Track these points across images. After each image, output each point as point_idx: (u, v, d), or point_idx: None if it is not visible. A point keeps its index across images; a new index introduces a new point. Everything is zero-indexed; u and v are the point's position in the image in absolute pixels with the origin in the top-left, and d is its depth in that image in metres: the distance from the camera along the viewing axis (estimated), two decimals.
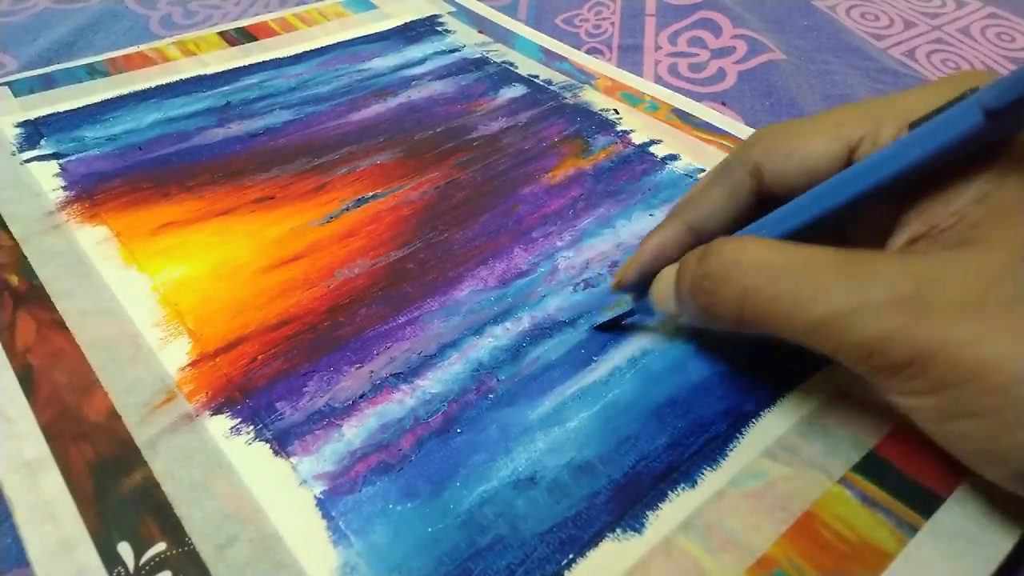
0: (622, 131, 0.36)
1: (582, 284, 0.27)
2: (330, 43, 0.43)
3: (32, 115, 0.36)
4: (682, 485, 0.21)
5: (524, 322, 0.26)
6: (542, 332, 0.25)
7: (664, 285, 0.22)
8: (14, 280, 0.27)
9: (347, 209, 0.31)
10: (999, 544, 0.19)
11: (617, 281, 0.24)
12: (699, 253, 0.20)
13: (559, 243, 0.29)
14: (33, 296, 0.26)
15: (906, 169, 0.18)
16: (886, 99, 0.20)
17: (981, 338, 0.16)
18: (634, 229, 0.30)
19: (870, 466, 0.21)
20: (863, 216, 0.20)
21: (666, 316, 0.24)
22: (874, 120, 0.19)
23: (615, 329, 0.25)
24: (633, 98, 0.39)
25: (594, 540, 0.19)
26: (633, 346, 0.25)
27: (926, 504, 0.20)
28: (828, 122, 0.20)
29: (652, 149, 0.35)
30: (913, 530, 0.20)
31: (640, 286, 0.24)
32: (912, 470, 0.21)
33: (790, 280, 0.18)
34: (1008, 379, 0.15)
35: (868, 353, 0.17)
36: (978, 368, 0.16)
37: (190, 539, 0.19)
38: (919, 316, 0.16)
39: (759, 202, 0.22)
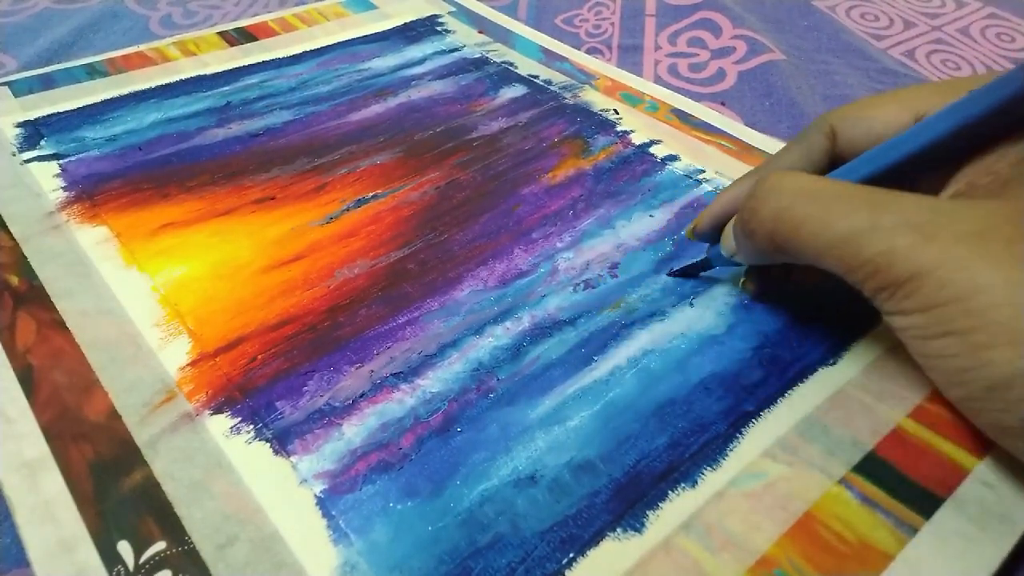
0: (622, 131, 0.36)
1: (582, 284, 0.27)
2: (330, 43, 0.43)
3: (32, 115, 0.36)
4: (682, 485, 0.21)
5: (524, 322, 0.26)
6: (542, 331, 0.25)
7: (730, 229, 0.24)
8: (14, 280, 0.27)
9: (347, 209, 0.31)
10: (999, 544, 0.19)
11: (691, 228, 0.26)
12: None
13: (559, 244, 0.29)
14: (33, 296, 0.26)
15: (955, 128, 0.20)
16: (958, 79, 0.22)
17: (972, 264, 0.17)
18: (634, 230, 0.30)
19: (870, 466, 0.21)
20: (920, 181, 0.22)
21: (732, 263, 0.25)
22: (941, 96, 0.21)
23: (688, 277, 0.27)
24: (633, 98, 0.39)
25: (594, 539, 0.19)
26: (634, 346, 0.25)
27: (926, 504, 0.20)
28: (899, 96, 0.22)
29: (652, 150, 0.35)
30: (913, 530, 0.20)
31: (713, 235, 0.26)
32: (912, 471, 0.21)
33: (820, 203, 0.19)
34: (987, 303, 0.17)
35: (874, 270, 0.18)
36: (963, 290, 0.17)
37: (190, 538, 0.19)
38: (924, 239, 0.18)
39: (832, 164, 0.23)
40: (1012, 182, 0.19)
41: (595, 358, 0.24)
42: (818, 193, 0.20)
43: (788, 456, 0.21)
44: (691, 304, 0.26)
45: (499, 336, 0.25)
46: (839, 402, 0.23)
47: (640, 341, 0.25)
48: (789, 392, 0.23)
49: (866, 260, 0.18)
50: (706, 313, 0.26)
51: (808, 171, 0.23)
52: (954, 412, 0.22)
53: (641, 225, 0.30)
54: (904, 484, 0.21)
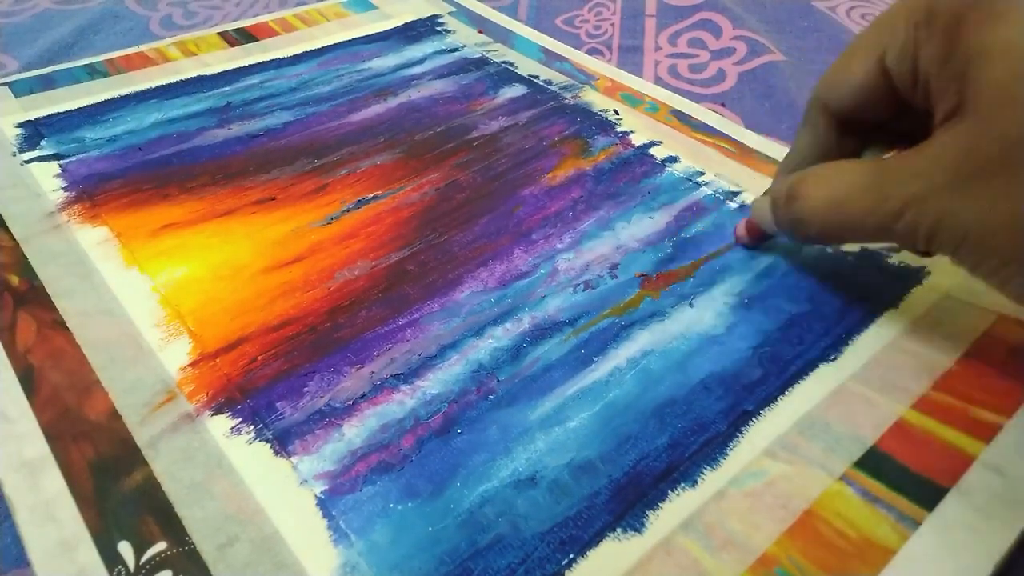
0: (622, 132, 0.36)
1: (582, 285, 0.27)
2: (330, 43, 0.43)
3: (32, 116, 0.36)
4: (682, 485, 0.21)
5: (524, 323, 0.26)
6: (542, 332, 0.25)
7: (759, 206, 0.27)
8: (15, 280, 0.27)
9: (348, 210, 0.31)
10: (1004, 534, 0.19)
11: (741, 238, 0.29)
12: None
13: (559, 245, 0.29)
14: (34, 296, 0.26)
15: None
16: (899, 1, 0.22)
17: (958, 210, 0.19)
18: (634, 231, 0.30)
19: (871, 461, 0.21)
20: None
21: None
22: (890, 27, 0.22)
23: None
24: (633, 99, 0.39)
25: (594, 540, 0.19)
26: (633, 346, 0.25)
27: (929, 497, 0.20)
28: (859, 44, 0.23)
29: (652, 151, 0.35)
30: (915, 524, 0.20)
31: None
32: (915, 463, 0.21)
33: (843, 203, 0.22)
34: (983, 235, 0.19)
35: (909, 241, 0.21)
36: (962, 233, 0.19)
37: (191, 539, 0.19)
38: (920, 202, 0.20)
39: (840, 131, 0.25)
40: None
41: (595, 359, 0.24)
42: (840, 197, 0.22)
43: (788, 454, 0.21)
44: (691, 304, 0.26)
45: (499, 337, 0.25)
46: (840, 398, 0.23)
47: (640, 342, 0.25)
48: (789, 390, 0.23)
49: (898, 236, 0.21)
50: (706, 313, 0.26)
51: (822, 148, 0.25)
52: (960, 397, 0.22)
53: (641, 227, 0.30)
54: (906, 477, 0.21)
